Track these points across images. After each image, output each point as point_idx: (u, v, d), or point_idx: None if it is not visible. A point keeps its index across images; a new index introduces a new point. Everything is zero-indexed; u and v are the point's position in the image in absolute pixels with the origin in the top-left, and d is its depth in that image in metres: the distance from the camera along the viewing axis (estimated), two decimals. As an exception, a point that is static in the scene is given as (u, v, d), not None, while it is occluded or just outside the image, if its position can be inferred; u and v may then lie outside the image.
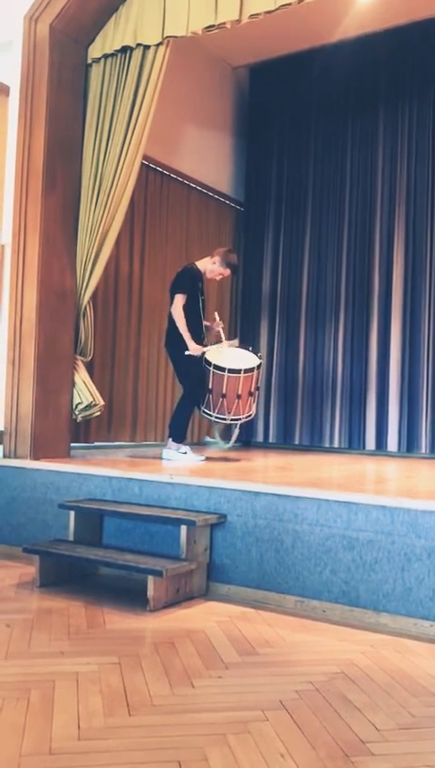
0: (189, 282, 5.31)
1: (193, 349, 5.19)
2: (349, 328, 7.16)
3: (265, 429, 7.53)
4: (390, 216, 7.02)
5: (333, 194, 7.36)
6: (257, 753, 2.12)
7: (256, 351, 5.50)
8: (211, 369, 5.19)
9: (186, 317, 5.22)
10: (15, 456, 4.95)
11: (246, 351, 5.47)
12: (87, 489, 4.50)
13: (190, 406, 5.37)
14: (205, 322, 5.46)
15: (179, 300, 5.24)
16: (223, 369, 5.16)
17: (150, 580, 3.57)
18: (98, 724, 2.29)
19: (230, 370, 5.16)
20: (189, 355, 5.20)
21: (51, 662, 2.83)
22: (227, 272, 5.47)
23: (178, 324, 5.21)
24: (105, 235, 5.15)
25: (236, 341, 5.92)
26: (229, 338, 5.82)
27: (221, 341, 5.41)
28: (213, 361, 5.19)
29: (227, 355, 5.31)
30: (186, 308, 5.24)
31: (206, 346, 5.34)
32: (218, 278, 5.58)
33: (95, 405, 5.23)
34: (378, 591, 3.47)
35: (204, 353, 5.22)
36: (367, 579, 3.50)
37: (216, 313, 5.62)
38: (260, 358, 5.44)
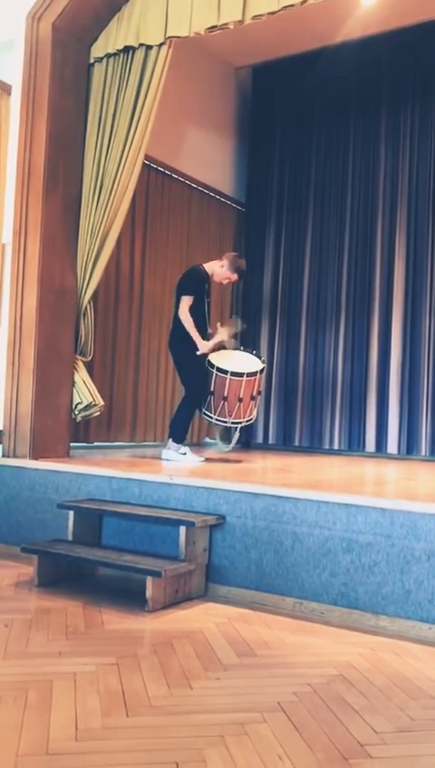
0: (196, 283, 5.30)
1: (202, 346, 5.17)
2: (349, 330, 7.16)
3: (264, 430, 7.53)
4: (391, 218, 7.02)
5: (334, 195, 7.36)
6: (255, 754, 2.12)
7: (258, 354, 5.49)
8: (214, 371, 5.18)
9: (192, 319, 5.21)
10: (15, 456, 4.94)
11: (250, 355, 5.47)
12: (86, 489, 4.49)
13: (192, 407, 5.36)
14: (209, 330, 5.44)
15: (186, 302, 5.22)
16: (225, 372, 5.15)
17: (149, 580, 3.57)
18: (95, 724, 2.29)
19: (233, 373, 5.16)
20: (192, 357, 5.18)
21: (49, 662, 2.83)
22: (235, 277, 5.46)
23: (185, 326, 5.19)
24: (106, 234, 5.14)
25: (238, 321, 5.95)
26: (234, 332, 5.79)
27: (225, 348, 5.42)
28: (216, 364, 5.18)
29: (231, 358, 5.31)
30: (192, 310, 5.21)
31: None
32: (225, 282, 5.55)
33: (95, 405, 5.22)
34: (377, 594, 3.46)
35: (207, 355, 5.22)
36: (366, 581, 3.49)
37: (218, 324, 5.58)
38: (263, 362, 5.43)
